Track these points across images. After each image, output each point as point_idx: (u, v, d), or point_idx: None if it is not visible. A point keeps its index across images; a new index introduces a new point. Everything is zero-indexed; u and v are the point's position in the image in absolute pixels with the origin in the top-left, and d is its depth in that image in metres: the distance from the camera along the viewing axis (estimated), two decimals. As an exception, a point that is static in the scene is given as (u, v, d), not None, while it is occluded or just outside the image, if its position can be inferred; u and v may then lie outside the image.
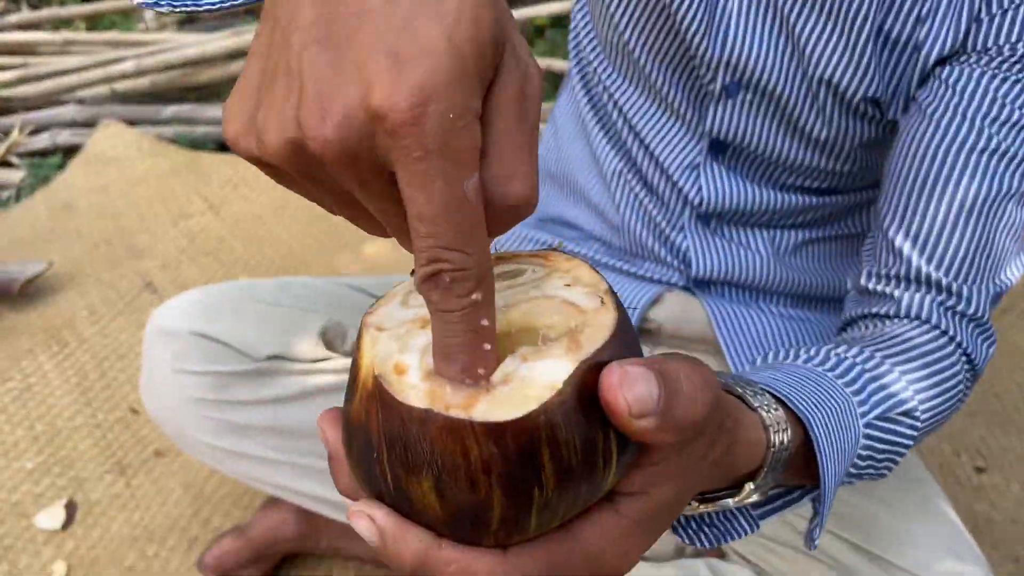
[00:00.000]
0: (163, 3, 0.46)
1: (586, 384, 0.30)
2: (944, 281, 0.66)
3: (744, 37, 0.77)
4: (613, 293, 0.33)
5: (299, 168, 0.30)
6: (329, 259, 2.04)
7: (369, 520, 0.32)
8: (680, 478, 0.35)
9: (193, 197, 2.27)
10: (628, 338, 0.32)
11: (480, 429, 0.28)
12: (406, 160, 0.27)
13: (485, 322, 0.29)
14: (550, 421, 0.29)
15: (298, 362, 0.95)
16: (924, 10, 0.68)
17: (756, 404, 0.46)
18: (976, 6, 0.66)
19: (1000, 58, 0.66)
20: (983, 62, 0.66)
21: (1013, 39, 0.65)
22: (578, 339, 0.31)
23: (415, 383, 0.30)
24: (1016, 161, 0.65)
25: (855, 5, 0.71)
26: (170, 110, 2.64)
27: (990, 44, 0.66)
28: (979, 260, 0.67)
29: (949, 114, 0.67)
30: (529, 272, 0.35)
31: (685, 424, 0.32)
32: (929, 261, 0.67)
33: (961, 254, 0.66)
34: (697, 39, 0.79)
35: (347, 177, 0.29)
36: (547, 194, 1.04)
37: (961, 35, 0.68)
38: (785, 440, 0.46)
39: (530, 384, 0.29)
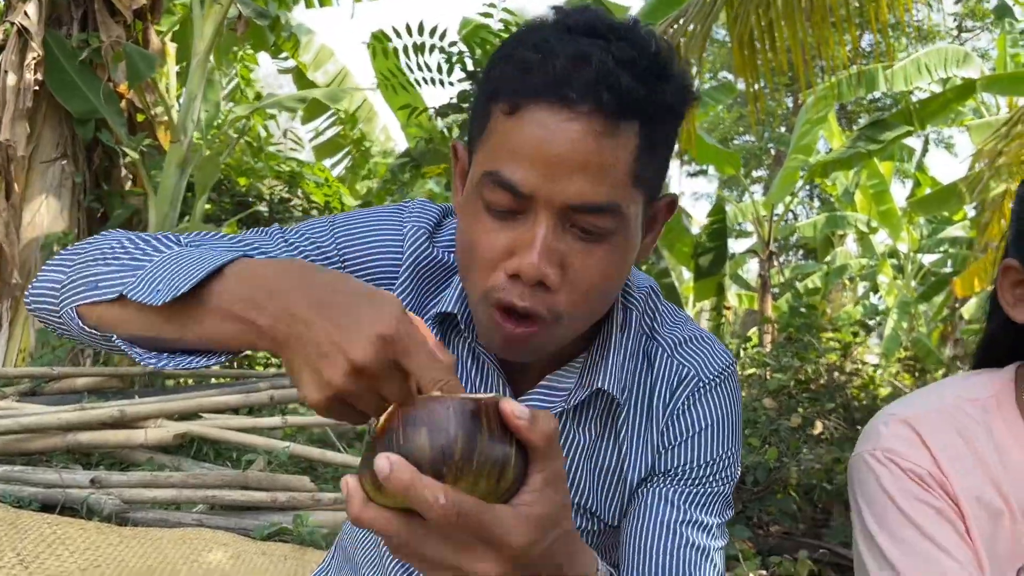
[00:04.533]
0: (169, 363, 0.71)
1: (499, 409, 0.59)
2: None
3: None
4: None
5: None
6: (131, 618, 2.16)
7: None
8: (554, 485, 0.60)
9: (7, 552, 2.38)
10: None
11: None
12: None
13: None
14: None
15: None
16: (627, 457, 0.99)
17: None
18: (657, 444, 0.95)
19: (674, 475, 0.95)
20: (667, 479, 0.95)
21: (679, 463, 0.94)
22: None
23: None
24: (693, 547, 0.94)
25: (605, 462, 0.99)
26: (0, 469, 2.80)
27: (668, 467, 0.95)
28: None
29: (645, 516, 0.96)
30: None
31: (545, 429, 0.58)
32: None
33: None
34: None
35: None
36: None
37: (651, 463, 0.95)
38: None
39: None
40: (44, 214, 4.44)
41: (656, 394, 0.94)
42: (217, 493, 2.94)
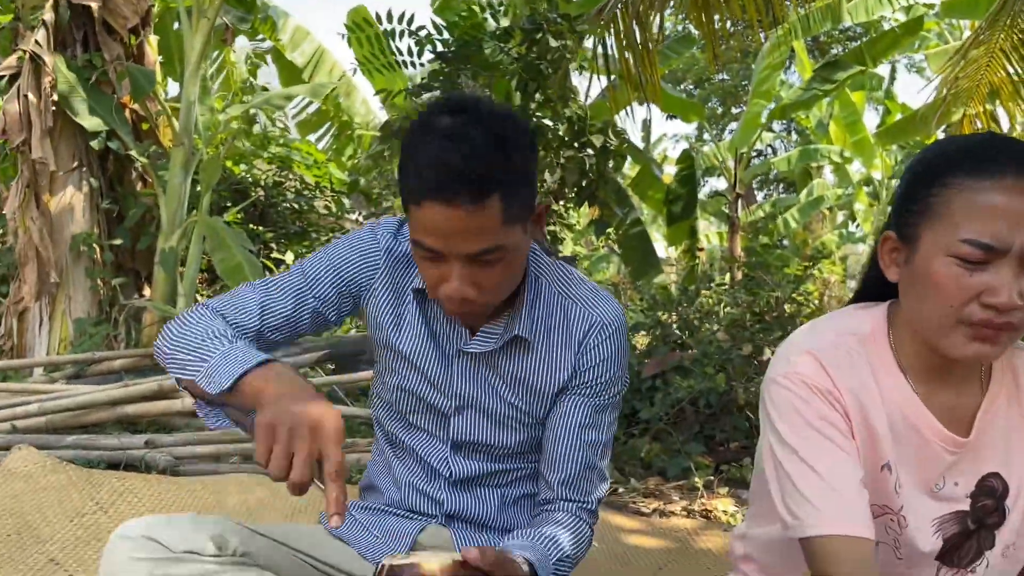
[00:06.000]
0: (220, 422, 1.19)
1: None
2: (573, 496, 1.35)
3: (466, 388, 1.35)
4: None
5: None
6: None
7: None
8: None
9: (87, 501, 2.97)
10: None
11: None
12: None
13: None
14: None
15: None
16: (550, 375, 1.33)
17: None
18: (575, 365, 1.32)
19: (586, 389, 1.33)
20: (579, 392, 1.33)
21: (590, 379, 1.32)
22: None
23: None
24: (593, 443, 1.34)
25: (533, 380, 1.34)
26: (70, 439, 3.39)
27: (582, 383, 1.33)
28: (586, 484, 1.35)
29: (563, 418, 1.34)
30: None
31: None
32: (564, 489, 1.35)
33: (579, 484, 1.35)
34: (441, 398, 1.37)
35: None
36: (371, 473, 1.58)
37: (568, 379, 1.33)
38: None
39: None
40: (69, 218, 4.97)
41: (572, 332, 1.33)
42: (249, 446, 3.53)
